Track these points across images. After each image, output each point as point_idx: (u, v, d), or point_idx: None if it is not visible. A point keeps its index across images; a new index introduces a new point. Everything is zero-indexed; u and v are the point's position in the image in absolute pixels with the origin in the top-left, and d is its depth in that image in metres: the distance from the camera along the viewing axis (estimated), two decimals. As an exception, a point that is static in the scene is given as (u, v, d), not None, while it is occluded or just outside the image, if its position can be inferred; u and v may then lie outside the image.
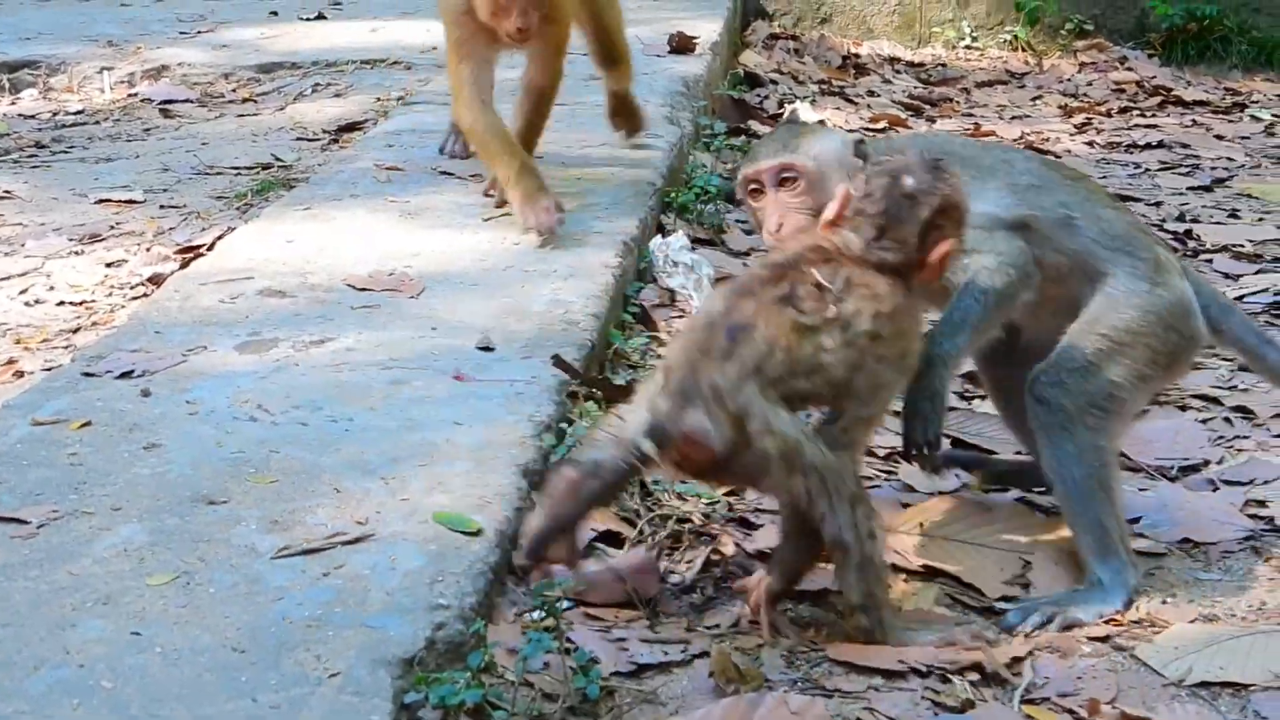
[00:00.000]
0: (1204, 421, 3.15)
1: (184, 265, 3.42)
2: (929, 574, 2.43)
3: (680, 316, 3.42)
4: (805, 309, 2.13)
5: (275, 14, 6.80)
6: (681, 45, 5.83)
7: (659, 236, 3.63)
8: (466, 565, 2.07)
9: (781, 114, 6.01)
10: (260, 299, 3.08)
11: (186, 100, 5.40)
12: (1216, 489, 2.84)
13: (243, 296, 3.09)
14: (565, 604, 2.13)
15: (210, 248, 3.55)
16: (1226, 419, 3.18)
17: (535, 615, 2.10)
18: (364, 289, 3.13)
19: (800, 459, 2.08)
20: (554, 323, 2.96)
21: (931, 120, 6.44)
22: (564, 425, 2.56)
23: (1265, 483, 2.85)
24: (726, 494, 2.59)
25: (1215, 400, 3.28)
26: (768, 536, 2.42)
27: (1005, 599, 2.39)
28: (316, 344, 2.83)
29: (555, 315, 3.00)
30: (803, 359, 2.11)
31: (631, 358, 3.12)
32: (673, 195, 4.12)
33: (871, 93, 6.72)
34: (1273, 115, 6.86)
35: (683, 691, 2.06)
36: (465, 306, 3.04)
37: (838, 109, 6.26)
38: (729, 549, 2.43)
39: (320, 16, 6.70)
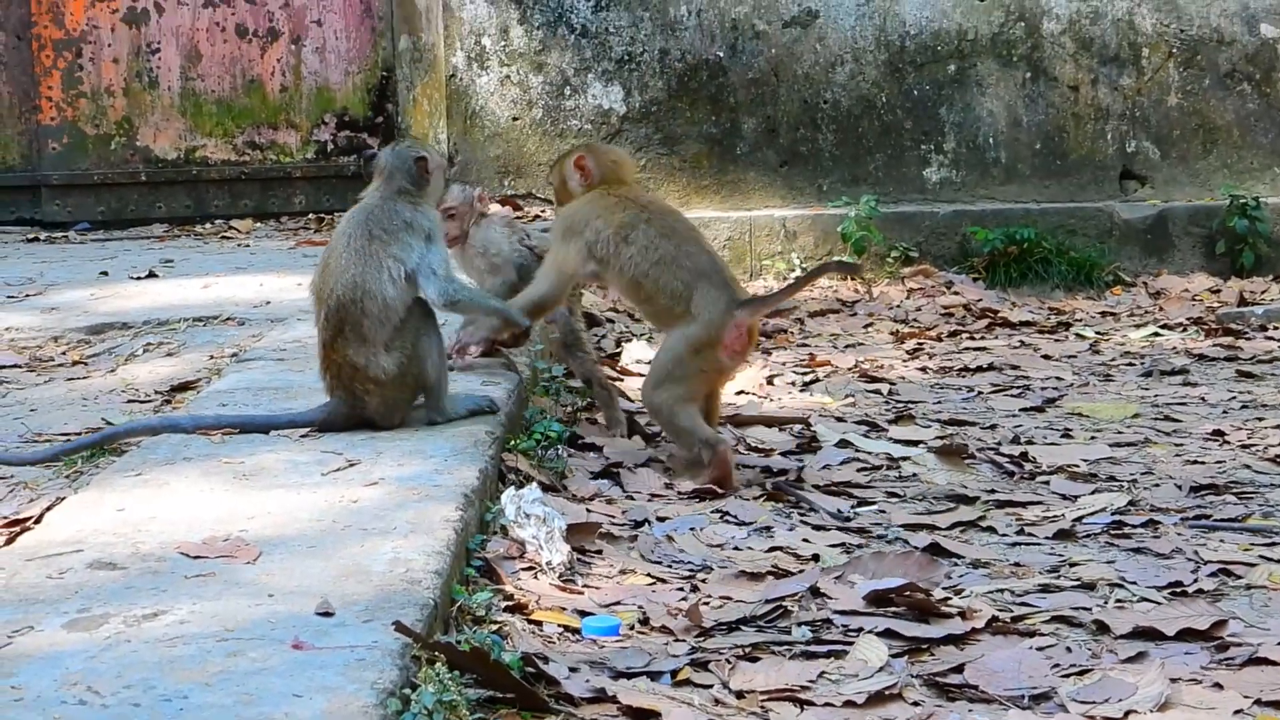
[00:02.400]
0: (1049, 646, 3.14)
1: (9, 541, 3.31)
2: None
3: (530, 569, 3.38)
4: None
5: (105, 274, 6.74)
6: (517, 291, 5.85)
7: (511, 489, 3.60)
8: None
9: (620, 353, 6.06)
10: (90, 572, 2.98)
11: (14, 365, 5.29)
12: (1069, 713, 2.82)
13: (71, 571, 2.99)
14: None
15: (38, 520, 3.46)
16: (1075, 641, 3.17)
17: None
18: (198, 556, 3.05)
19: None
20: (395, 582, 2.90)
21: (767, 352, 6.54)
22: (408, 690, 2.49)
23: (1119, 700, 2.83)
24: None
25: (1068, 620, 3.27)
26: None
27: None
28: (149, 618, 2.74)
29: (396, 574, 2.94)
30: None
31: (477, 613, 3.07)
32: (513, 443, 4.11)
33: (706, 327, 6.77)
34: (1096, 333, 7.07)
35: None
36: (303, 570, 2.98)
37: (673, 345, 6.31)
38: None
39: (151, 275, 6.65)
